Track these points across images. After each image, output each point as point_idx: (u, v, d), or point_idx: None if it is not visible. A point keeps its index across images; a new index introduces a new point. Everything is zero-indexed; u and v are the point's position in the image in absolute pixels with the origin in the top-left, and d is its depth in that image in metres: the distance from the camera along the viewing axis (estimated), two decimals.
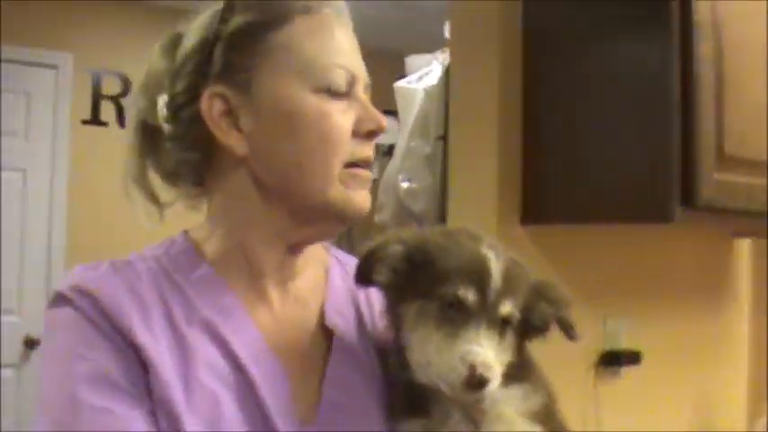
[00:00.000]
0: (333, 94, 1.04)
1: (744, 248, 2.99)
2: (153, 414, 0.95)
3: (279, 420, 1.00)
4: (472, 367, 0.94)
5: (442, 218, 2.63)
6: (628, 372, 2.45)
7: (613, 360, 2.42)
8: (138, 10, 4.57)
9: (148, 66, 1.13)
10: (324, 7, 1.08)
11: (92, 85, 4.54)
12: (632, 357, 2.44)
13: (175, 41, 1.10)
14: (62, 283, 1.02)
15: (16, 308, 4.26)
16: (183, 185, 1.13)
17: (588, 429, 2.28)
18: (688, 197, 1.88)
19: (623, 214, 2.02)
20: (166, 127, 1.09)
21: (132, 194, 1.13)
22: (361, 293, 1.17)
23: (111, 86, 4.58)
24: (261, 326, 1.06)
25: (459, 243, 1.03)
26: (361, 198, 1.07)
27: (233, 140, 1.04)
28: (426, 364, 0.99)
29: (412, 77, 3.11)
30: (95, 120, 4.53)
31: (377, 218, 3.13)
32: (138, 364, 0.96)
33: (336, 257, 1.22)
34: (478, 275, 0.99)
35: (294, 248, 1.10)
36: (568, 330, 1.05)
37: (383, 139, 4.32)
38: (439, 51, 3.02)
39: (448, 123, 2.57)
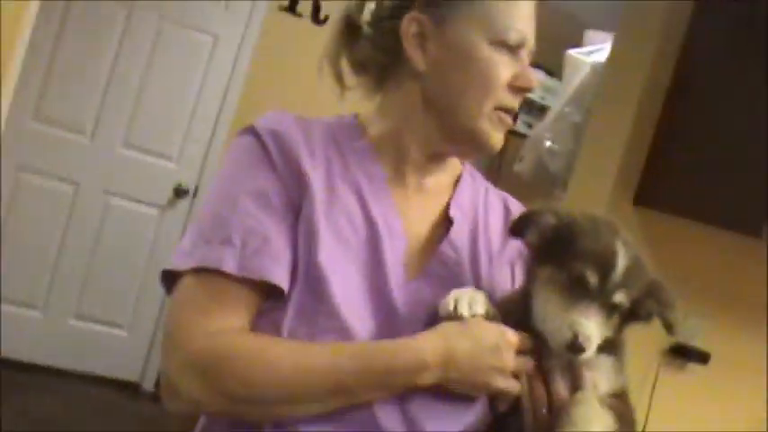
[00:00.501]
0: (503, 48, 1.27)
1: None
2: (295, 232, 1.22)
3: (390, 272, 1.26)
4: (575, 336, 1.16)
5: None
6: (693, 369, 2.62)
7: (682, 354, 2.59)
8: None
9: None
10: None
11: None
12: (701, 357, 2.61)
13: None
14: (258, 121, 1.30)
15: (176, 156, 4.64)
16: (365, 77, 1.38)
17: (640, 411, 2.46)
18: None
19: (723, 221, 2.24)
20: (367, 29, 1.35)
21: (323, 72, 1.38)
22: (481, 205, 1.42)
23: None
24: (395, 197, 1.32)
25: (599, 232, 1.22)
26: (497, 137, 1.31)
27: (417, 57, 1.30)
28: (543, 319, 1.21)
29: (584, 49, 3.29)
30: (293, 8, 4.84)
31: (516, 167, 3.39)
32: (298, 189, 1.24)
33: (470, 172, 1.46)
34: (605, 265, 1.18)
35: (434, 157, 1.35)
36: (669, 329, 1.23)
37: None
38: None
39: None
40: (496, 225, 1.40)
